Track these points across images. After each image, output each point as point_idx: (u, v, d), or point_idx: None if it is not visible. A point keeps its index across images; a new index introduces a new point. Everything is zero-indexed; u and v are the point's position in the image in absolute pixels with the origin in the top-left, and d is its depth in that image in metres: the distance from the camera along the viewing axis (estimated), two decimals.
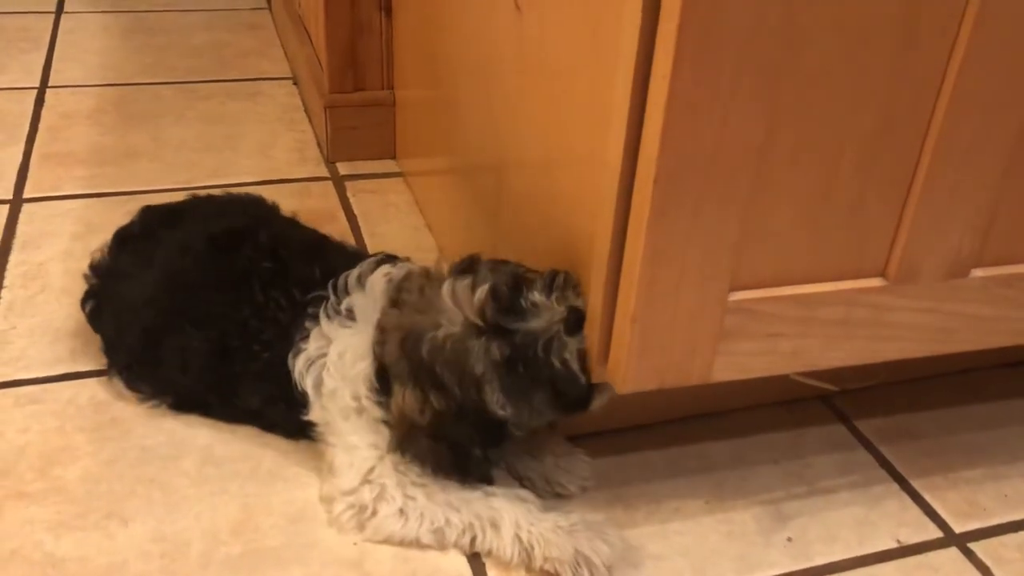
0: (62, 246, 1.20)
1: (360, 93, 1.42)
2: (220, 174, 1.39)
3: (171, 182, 1.36)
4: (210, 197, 1.04)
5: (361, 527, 0.81)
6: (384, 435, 0.81)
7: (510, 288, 0.75)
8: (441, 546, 0.80)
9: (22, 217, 1.26)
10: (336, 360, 0.82)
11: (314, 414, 0.84)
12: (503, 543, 0.78)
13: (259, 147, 1.49)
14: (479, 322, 0.74)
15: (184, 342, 0.88)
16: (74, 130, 1.51)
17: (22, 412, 0.93)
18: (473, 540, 0.79)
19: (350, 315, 0.84)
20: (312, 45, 1.55)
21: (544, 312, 0.74)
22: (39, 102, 1.60)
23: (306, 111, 1.61)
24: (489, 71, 0.97)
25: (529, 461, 0.88)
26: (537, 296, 0.74)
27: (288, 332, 0.84)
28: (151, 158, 1.43)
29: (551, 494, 0.86)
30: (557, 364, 0.74)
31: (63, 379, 0.98)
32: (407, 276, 0.82)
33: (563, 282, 0.75)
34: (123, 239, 0.99)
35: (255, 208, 1.03)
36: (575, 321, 0.74)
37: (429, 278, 0.80)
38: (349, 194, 1.37)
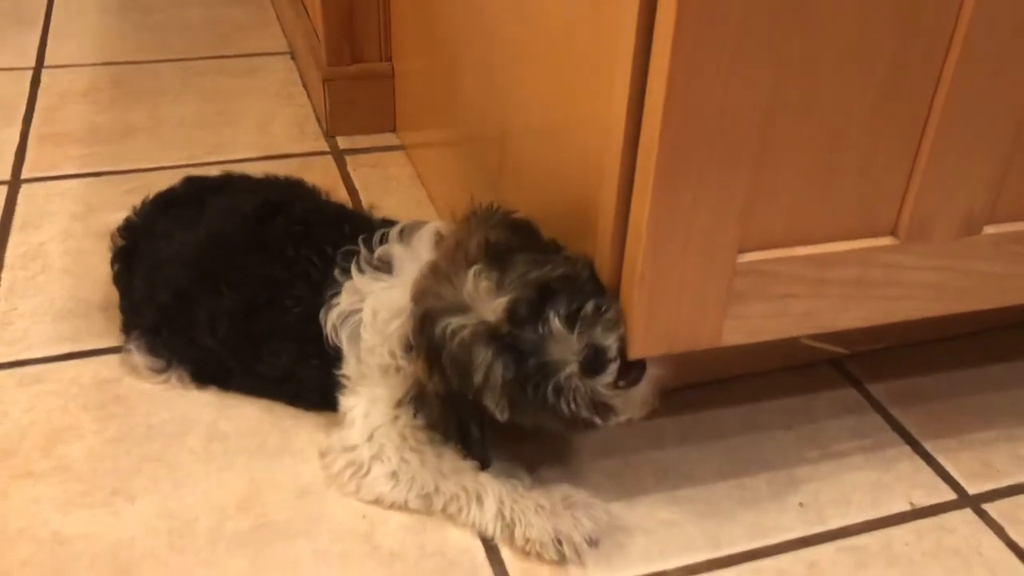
0: (61, 226, 1.19)
1: (358, 65, 1.40)
2: (219, 151, 1.38)
3: (170, 160, 1.34)
4: (250, 175, 1.04)
5: (354, 485, 0.81)
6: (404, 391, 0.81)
7: (532, 306, 0.70)
8: (428, 511, 0.80)
9: (20, 198, 1.25)
10: (371, 317, 0.81)
11: (348, 368, 0.83)
12: (485, 518, 0.78)
13: (258, 123, 1.48)
14: (493, 328, 0.70)
15: (217, 302, 0.87)
16: (71, 109, 1.49)
17: (26, 392, 0.92)
18: (459, 510, 0.79)
19: (385, 267, 0.83)
20: (309, 18, 1.54)
21: (562, 343, 0.69)
22: (35, 82, 1.58)
23: (304, 85, 1.59)
24: (489, 39, 0.95)
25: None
26: (557, 325, 0.69)
27: (320, 287, 0.83)
28: (149, 136, 1.42)
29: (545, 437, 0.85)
30: (565, 408, 0.71)
31: (66, 358, 0.97)
32: (449, 239, 0.79)
33: (592, 313, 0.70)
34: (165, 202, 0.98)
35: (293, 186, 1.03)
36: (594, 362, 0.70)
37: (462, 248, 0.75)
38: (350, 168, 1.36)
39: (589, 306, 0.70)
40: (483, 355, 0.70)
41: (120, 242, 0.97)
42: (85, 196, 1.26)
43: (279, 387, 0.90)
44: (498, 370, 0.70)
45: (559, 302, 0.70)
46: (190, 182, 1.01)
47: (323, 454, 0.85)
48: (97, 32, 1.79)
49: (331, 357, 0.83)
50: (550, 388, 0.70)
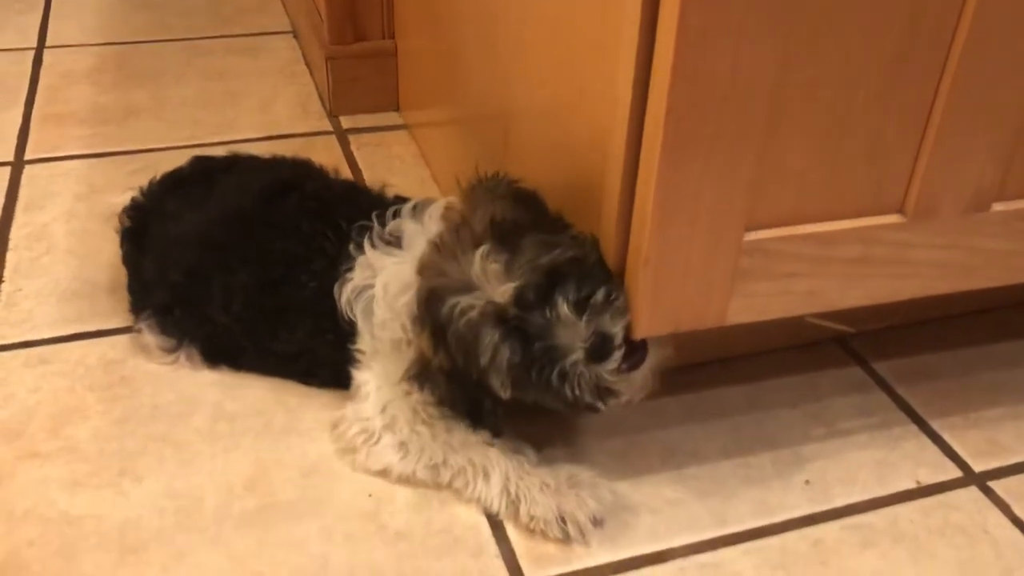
0: (65, 206, 1.19)
1: (361, 44, 1.39)
2: (222, 131, 1.38)
3: (173, 140, 1.34)
4: (258, 156, 1.04)
5: (364, 454, 0.82)
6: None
7: (541, 291, 0.70)
8: (435, 483, 0.81)
9: (24, 179, 1.25)
10: (382, 292, 0.81)
11: (363, 343, 0.83)
12: (491, 493, 0.79)
13: (261, 102, 1.47)
14: (501, 310, 0.70)
15: (230, 278, 0.87)
16: (73, 90, 1.49)
17: (32, 373, 0.93)
18: (466, 484, 0.80)
19: (396, 242, 0.83)
20: None
21: (569, 329, 0.70)
22: (37, 63, 1.57)
23: (307, 64, 1.58)
24: (491, 16, 0.94)
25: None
26: (566, 311, 0.69)
27: (335, 262, 0.84)
28: (152, 116, 1.41)
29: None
30: (568, 392, 0.71)
31: (72, 339, 0.97)
32: (454, 213, 0.79)
33: (602, 300, 0.70)
34: (173, 182, 0.98)
35: (302, 166, 1.03)
36: (600, 350, 0.70)
37: (468, 225, 0.74)
38: (353, 148, 1.35)
39: (600, 294, 0.70)
40: (490, 337, 0.70)
41: (128, 223, 0.97)
42: (89, 177, 1.25)
43: (292, 364, 0.90)
44: (504, 353, 0.71)
45: (568, 287, 0.70)
46: (198, 162, 1.01)
47: (335, 424, 0.85)
48: (99, 12, 1.78)
49: (345, 332, 0.83)
50: (555, 372, 0.70)
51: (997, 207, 0.75)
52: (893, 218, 0.73)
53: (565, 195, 0.82)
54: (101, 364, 0.94)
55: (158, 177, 1.00)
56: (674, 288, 0.70)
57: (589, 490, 0.78)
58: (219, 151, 1.06)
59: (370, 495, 0.81)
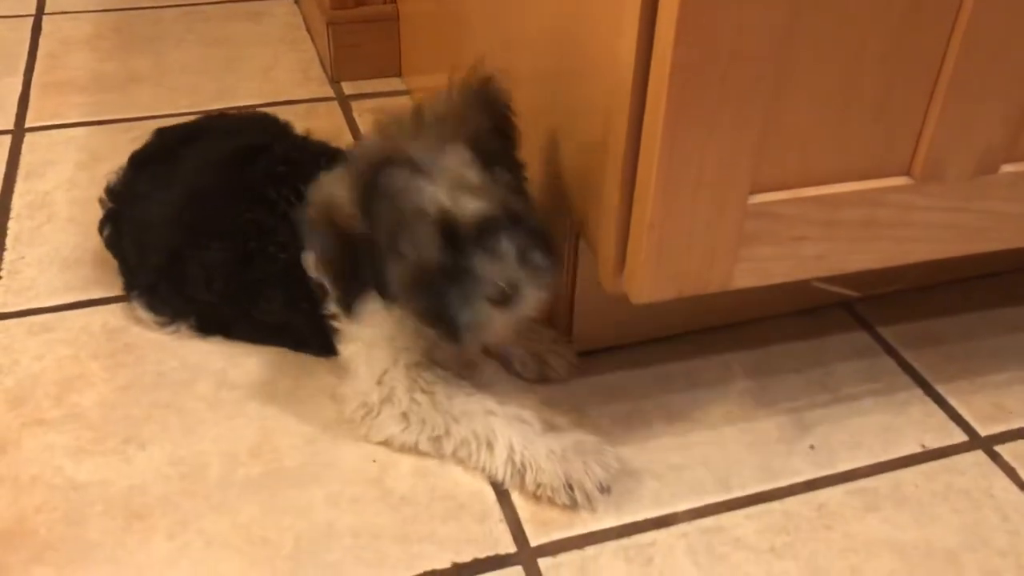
0: (66, 175, 1.18)
1: (362, 8, 1.37)
2: (223, 97, 1.36)
3: (174, 107, 1.33)
4: (224, 115, 1.02)
5: (366, 428, 0.82)
6: (402, 328, 0.80)
7: (492, 223, 0.71)
8: (438, 454, 0.81)
9: (25, 147, 1.24)
10: None
11: (332, 306, 0.83)
12: (496, 463, 0.79)
13: (262, 68, 1.46)
14: (450, 217, 0.70)
15: (207, 256, 0.87)
16: (73, 57, 1.48)
17: (36, 341, 0.93)
18: (469, 455, 0.80)
19: None
20: None
21: (497, 268, 0.71)
22: (36, 29, 1.56)
23: (308, 30, 1.57)
24: None
25: (520, 343, 0.89)
26: (506, 250, 0.71)
27: (298, 229, 0.82)
28: (153, 83, 1.40)
29: (540, 377, 0.89)
30: (452, 315, 0.71)
31: (75, 307, 0.97)
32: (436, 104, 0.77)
33: (538, 264, 0.72)
34: (139, 162, 0.97)
35: (270, 126, 1.01)
36: (509, 299, 0.71)
37: (446, 122, 0.74)
38: (355, 114, 1.34)
39: (539, 258, 0.72)
40: (427, 232, 0.70)
41: (107, 206, 0.96)
42: (89, 144, 1.25)
43: (280, 334, 0.90)
44: (429, 253, 0.70)
45: (518, 234, 0.72)
46: (160, 135, 0.99)
47: (338, 401, 0.85)
48: None
49: (319, 300, 0.83)
50: (457, 294, 0.71)
51: (1007, 168, 0.74)
52: (901, 180, 0.72)
53: (568, 159, 0.81)
54: (104, 332, 0.94)
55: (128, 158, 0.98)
56: (678, 252, 0.70)
57: (595, 457, 0.78)
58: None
59: (374, 461, 0.81)
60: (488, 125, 0.75)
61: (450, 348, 0.81)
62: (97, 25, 1.58)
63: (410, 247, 0.71)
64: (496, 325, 0.73)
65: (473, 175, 0.71)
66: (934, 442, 0.85)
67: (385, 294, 0.76)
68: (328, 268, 0.78)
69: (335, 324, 0.83)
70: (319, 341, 0.87)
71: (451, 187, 0.70)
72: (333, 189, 0.74)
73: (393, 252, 0.72)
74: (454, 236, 0.70)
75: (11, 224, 1.09)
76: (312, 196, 0.75)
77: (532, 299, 0.73)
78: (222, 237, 0.87)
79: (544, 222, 0.76)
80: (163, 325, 0.93)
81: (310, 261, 0.81)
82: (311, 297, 0.83)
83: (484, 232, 0.71)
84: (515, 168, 0.78)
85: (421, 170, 0.70)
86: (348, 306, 0.78)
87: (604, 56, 0.69)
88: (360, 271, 0.75)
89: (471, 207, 0.70)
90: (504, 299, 0.71)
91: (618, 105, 0.67)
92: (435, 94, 0.77)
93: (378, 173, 0.71)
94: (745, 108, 0.64)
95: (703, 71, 0.61)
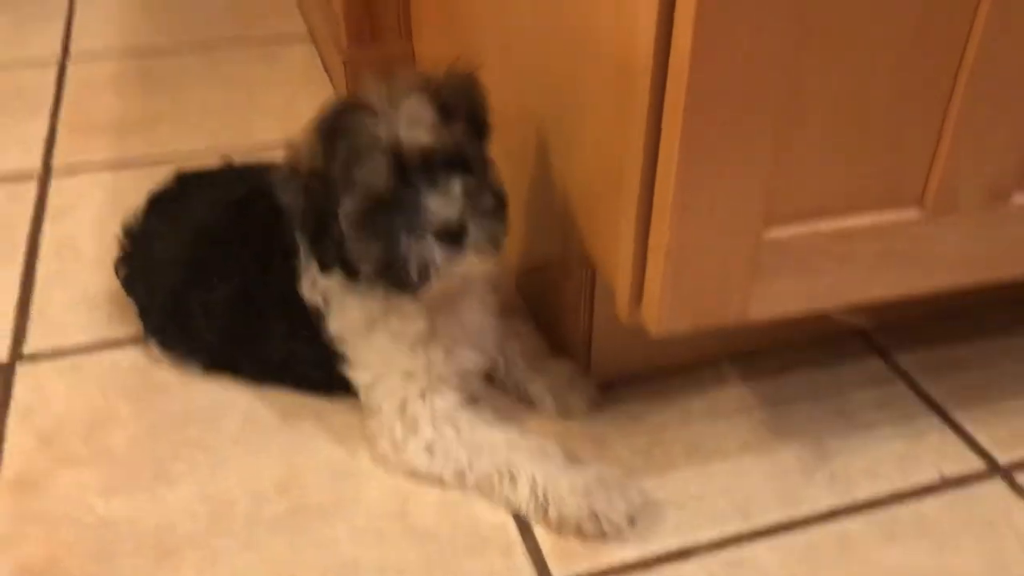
0: (92, 215, 1.21)
1: (378, 48, 1.40)
2: (243, 136, 1.39)
3: (195, 146, 1.36)
4: (244, 165, 1.04)
5: (394, 461, 0.83)
6: (403, 351, 0.82)
7: (443, 163, 0.74)
8: (461, 487, 0.82)
9: (51, 189, 1.27)
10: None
11: (332, 327, 0.84)
12: (519, 497, 0.79)
13: (281, 107, 1.48)
14: (404, 151, 0.73)
15: (209, 295, 0.89)
16: (97, 99, 1.51)
17: (65, 381, 0.94)
18: (492, 488, 0.81)
19: None
20: (328, 1, 1.54)
21: (446, 206, 0.73)
22: (61, 73, 1.60)
23: (326, 69, 1.60)
24: (506, 16, 0.95)
25: (539, 379, 0.90)
26: (456, 191, 0.74)
27: (288, 256, 0.85)
28: (174, 123, 1.43)
29: (560, 411, 0.89)
30: (400, 250, 0.73)
31: (102, 347, 0.99)
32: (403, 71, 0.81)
33: (487, 210, 0.75)
34: (155, 203, 1.00)
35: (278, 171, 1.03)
36: (454, 235, 0.73)
37: (411, 79, 0.77)
38: None
39: (489, 204, 0.75)
40: (378, 160, 0.73)
41: (124, 246, 0.99)
42: (114, 185, 1.27)
43: (282, 371, 0.92)
44: (380, 179, 0.73)
45: (469, 181, 0.75)
46: (179, 178, 1.02)
47: (367, 439, 0.86)
48: (120, 22, 1.81)
49: (318, 325, 0.84)
50: (404, 227, 0.73)
51: (1019, 198, 0.75)
52: (913, 211, 0.73)
53: (584, 192, 0.82)
54: (132, 370, 0.96)
55: (146, 197, 1.00)
56: (695, 285, 0.71)
57: (618, 491, 0.78)
58: (241, 157, 1.07)
59: (398, 496, 0.82)
60: (458, 103, 0.78)
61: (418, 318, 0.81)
62: (120, 68, 1.61)
63: (362, 174, 0.73)
64: (443, 266, 0.74)
65: (429, 115, 0.74)
66: (953, 470, 0.85)
67: (347, 264, 0.78)
68: (300, 224, 0.79)
69: (339, 348, 0.85)
70: (322, 373, 0.88)
71: (406, 123, 0.73)
72: (300, 140, 0.78)
73: (348, 184, 0.74)
74: (404, 167, 0.73)
75: (39, 266, 1.11)
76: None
77: (479, 240, 0.74)
78: (223, 276, 0.89)
79: (499, 181, 0.79)
80: (178, 364, 0.95)
81: (307, 286, 0.84)
82: (310, 324, 0.85)
83: (435, 170, 0.74)
84: (478, 146, 0.80)
85: (379, 112, 0.74)
86: (325, 264, 0.79)
87: (618, 92, 0.70)
88: (327, 224, 0.76)
89: (423, 139, 0.73)
90: (450, 234, 0.73)
91: (633, 137, 0.68)
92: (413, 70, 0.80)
93: (339, 115, 0.75)
94: (757, 142, 0.65)
95: (717, 106, 0.62)
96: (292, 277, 0.85)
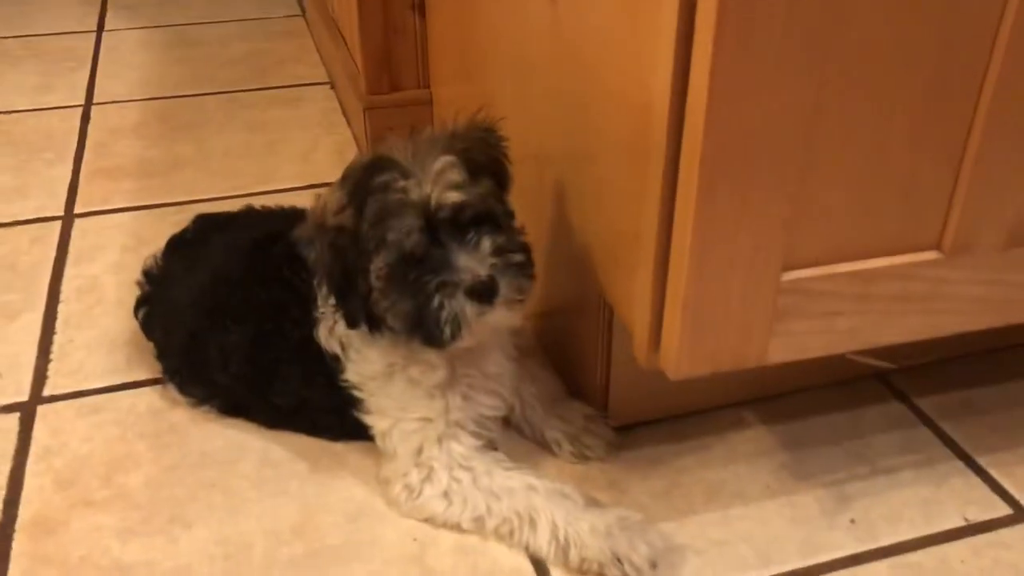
0: (114, 258, 1.22)
1: (397, 93, 1.42)
2: (264, 181, 1.41)
3: (217, 191, 1.38)
4: (263, 209, 1.06)
5: (409, 507, 0.83)
6: (421, 397, 0.82)
7: (473, 220, 0.75)
8: (480, 533, 0.81)
9: (74, 232, 1.29)
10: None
11: (350, 375, 0.84)
12: (539, 541, 0.79)
13: (301, 152, 1.50)
14: (432, 209, 0.73)
15: (224, 338, 0.89)
16: (120, 144, 1.54)
17: (85, 422, 0.95)
18: (511, 532, 0.80)
19: None
20: (347, 48, 1.56)
21: (475, 261, 0.73)
22: (85, 119, 1.63)
23: (345, 114, 1.62)
24: (524, 66, 0.96)
25: (556, 423, 0.90)
26: (486, 246, 0.74)
27: (307, 304, 0.85)
28: (196, 168, 1.45)
29: (577, 455, 0.89)
30: (431, 306, 0.73)
31: (122, 388, 0.99)
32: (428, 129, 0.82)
33: (516, 264, 0.75)
34: (174, 246, 1.01)
35: (295, 216, 1.04)
36: (484, 291, 0.73)
37: (438, 139, 0.78)
38: None
39: (519, 258, 0.76)
40: (410, 221, 0.73)
41: (143, 289, 1.00)
42: (136, 229, 1.29)
43: (294, 417, 0.91)
44: (411, 239, 0.73)
45: (498, 237, 0.75)
46: (200, 221, 1.03)
47: (381, 483, 0.86)
48: (143, 68, 1.84)
49: (335, 373, 0.85)
50: (435, 284, 0.73)
51: None
52: (931, 255, 0.73)
53: (599, 239, 0.83)
54: (150, 412, 0.96)
55: (162, 245, 1.02)
56: (714, 328, 0.71)
57: (640, 534, 0.77)
58: (262, 201, 1.08)
59: (415, 539, 0.82)
60: (482, 160, 0.79)
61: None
62: (143, 113, 1.65)
63: (394, 233, 0.73)
64: (474, 322, 0.74)
65: (457, 175, 0.75)
66: (977, 515, 0.84)
67: (373, 320, 0.78)
68: (326, 279, 0.79)
69: (356, 394, 0.85)
70: (336, 420, 0.88)
71: (435, 182, 0.74)
72: (327, 197, 0.78)
73: (378, 242, 0.74)
74: (435, 226, 0.73)
75: (61, 308, 1.13)
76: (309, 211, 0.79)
77: (509, 297, 0.75)
78: (239, 319, 0.89)
79: (525, 236, 0.79)
80: (195, 406, 0.95)
81: (324, 333, 0.84)
82: (327, 371, 0.85)
83: (465, 228, 0.74)
84: (502, 200, 0.80)
85: (409, 171, 0.74)
86: (353, 320, 0.79)
87: (636, 140, 0.71)
88: (355, 281, 0.77)
89: (453, 198, 0.74)
90: (480, 291, 0.73)
91: (649, 187, 0.69)
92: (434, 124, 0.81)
93: (368, 173, 0.76)
94: (774, 187, 0.66)
95: (733, 156, 0.63)
96: (309, 323, 0.85)
